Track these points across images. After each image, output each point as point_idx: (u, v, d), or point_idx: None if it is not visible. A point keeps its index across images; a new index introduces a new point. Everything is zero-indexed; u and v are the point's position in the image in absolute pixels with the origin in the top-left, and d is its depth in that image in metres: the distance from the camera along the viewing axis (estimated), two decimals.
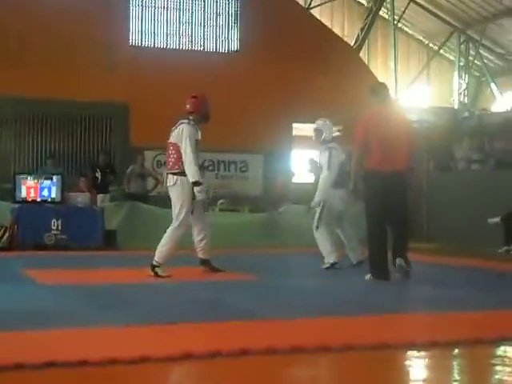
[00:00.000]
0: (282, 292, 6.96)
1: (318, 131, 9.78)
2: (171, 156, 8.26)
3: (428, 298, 6.59)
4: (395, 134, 7.76)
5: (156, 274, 7.89)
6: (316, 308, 5.75)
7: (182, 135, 8.17)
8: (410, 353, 4.12)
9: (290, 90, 18.88)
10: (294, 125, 19.71)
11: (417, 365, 4.05)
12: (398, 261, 7.62)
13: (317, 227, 9.23)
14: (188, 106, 8.54)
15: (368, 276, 7.73)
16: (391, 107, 8.47)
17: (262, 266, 9.79)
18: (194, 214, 8.18)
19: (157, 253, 8.02)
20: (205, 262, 8.36)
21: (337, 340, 4.23)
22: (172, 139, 8.32)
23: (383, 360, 4.01)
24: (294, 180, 17.61)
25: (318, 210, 9.23)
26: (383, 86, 8.57)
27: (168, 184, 8.24)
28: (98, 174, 14.93)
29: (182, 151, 8.08)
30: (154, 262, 7.98)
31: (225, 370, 3.72)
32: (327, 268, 9.02)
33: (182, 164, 8.07)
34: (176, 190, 8.13)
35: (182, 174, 8.06)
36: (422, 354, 4.13)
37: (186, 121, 8.33)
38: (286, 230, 14.20)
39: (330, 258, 9.09)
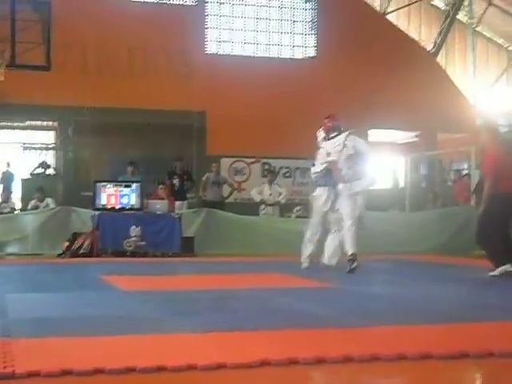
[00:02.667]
0: (357, 299, 6.91)
1: None
2: None
3: None
4: None
5: None
6: (391, 315, 5.69)
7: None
8: (489, 361, 4.03)
9: (367, 95, 18.78)
10: (370, 131, 19.56)
11: (499, 375, 3.96)
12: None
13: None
14: None
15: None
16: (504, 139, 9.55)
17: (338, 273, 9.74)
18: None
19: None
20: None
21: (413, 348, 4.17)
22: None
23: (461, 370, 3.94)
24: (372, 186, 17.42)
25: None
26: (493, 125, 9.49)
27: None
28: (176, 181, 15.09)
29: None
30: None
31: (301, 378, 3.72)
32: None
33: None
34: None
35: None
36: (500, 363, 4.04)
37: None
38: (365, 236, 14.07)
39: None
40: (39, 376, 3.54)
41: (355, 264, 9.27)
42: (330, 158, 9.65)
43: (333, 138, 9.78)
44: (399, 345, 4.33)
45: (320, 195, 9.91)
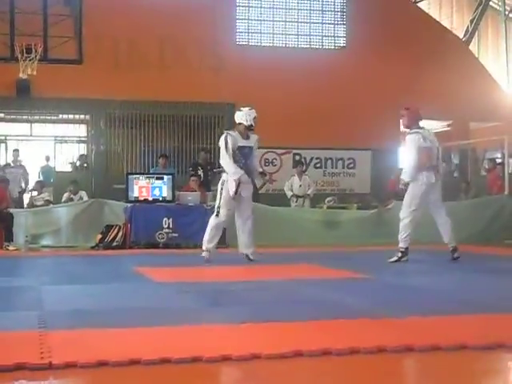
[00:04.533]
0: (393, 290, 6.89)
1: None
2: None
3: None
4: None
5: None
6: (426, 306, 5.67)
7: None
8: None
9: (398, 85, 18.65)
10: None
11: None
12: None
13: None
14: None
15: None
16: None
17: (373, 263, 9.72)
18: None
19: None
20: None
21: (448, 339, 4.15)
22: None
23: (497, 360, 3.92)
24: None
25: None
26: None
27: None
28: (201, 172, 15.08)
29: None
30: None
31: (335, 368, 3.72)
32: None
33: None
34: None
35: None
36: None
37: None
38: (396, 226, 14.01)
39: None
40: (76, 367, 3.59)
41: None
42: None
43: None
44: (434, 335, 4.31)
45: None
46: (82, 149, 19.05)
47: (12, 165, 16.96)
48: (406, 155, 10.16)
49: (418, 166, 9.55)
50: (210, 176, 15.20)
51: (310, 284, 7.32)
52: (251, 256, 9.66)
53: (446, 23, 22.73)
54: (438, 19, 22.04)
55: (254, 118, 9.58)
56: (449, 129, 20.68)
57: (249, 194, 9.72)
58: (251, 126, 9.57)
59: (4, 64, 14.96)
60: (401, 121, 10.38)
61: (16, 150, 17.50)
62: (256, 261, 9.51)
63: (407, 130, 10.09)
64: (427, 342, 4.05)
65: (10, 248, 12.36)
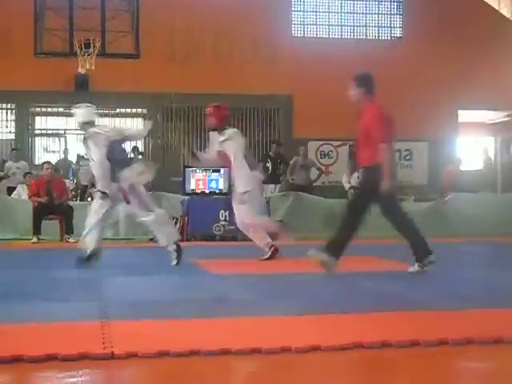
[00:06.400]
0: (449, 282, 6.82)
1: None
2: None
3: None
4: None
5: None
6: (485, 299, 5.60)
7: None
8: None
9: (455, 75, 18.41)
10: (459, 111, 19.22)
11: None
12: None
13: None
14: None
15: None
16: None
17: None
18: None
19: None
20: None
21: (509, 332, 4.10)
22: None
23: None
24: (462, 167, 17.14)
25: None
26: (371, 76, 7.96)
27: None
28: (269, 165, 15.14)
29: None
30: None
31: (395, 360, 3.70)
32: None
33: None
34: None
35: None
36: None
37: None
38: (453, 218, 13.89)
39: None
40: (137, 357, 3.64)
41: None
42: None
43: None
44: (494, 328, 4.26)
45: None
46: (140, 142, 19.24)
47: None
48: None
49: None
50: (279, 169, 15.32)
51: (367, 276, 7.28)
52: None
53: (505, 12, 22.32)
54: (496, 8, 21.65)
55: None
56: (508, 119, 20.34)
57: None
58: None
59: (63, 59, 15.22)
60: (209, 120, 9.01)
61: None
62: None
63: (215, 132, 8.95)
64: (488, 335, 4.01)
65: (71, 240, 12.55)
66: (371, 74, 7.66)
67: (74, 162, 17.51)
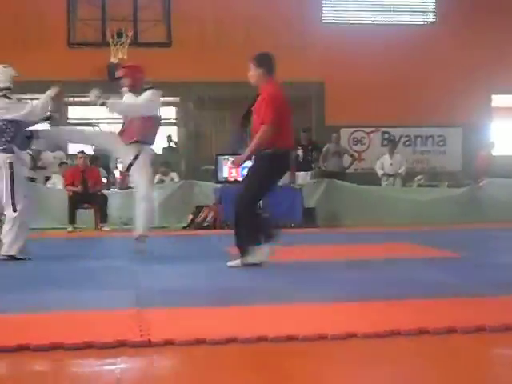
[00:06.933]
0: (486, 269, 6.75)
1: None
2: None
3: None
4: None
5: None
6: None
7: None
8: None
9: (489, 61, 18.18)
10: (494, 96, 18.99)
11: None
12: None
13: None
14: None
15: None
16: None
17: (465, 242, 9.56)
18: None
19: None
20: None
21: None
22: None
23: None
24: (495, 152, 16.94)
25: None
26: (272, 56, 7.70)
27: None
28: (300, 152, 15.09)
29: None
30: None
31: (432, 348, 3.68)
32: None
33: None
34: None
35: None
36: None
37: None
38: (488, 204, 13.77)
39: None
40: (174, 344, 3.67)
41: None
42: None
43: None
44: None
45: None
46: (173, 131, 19.31)
47: None
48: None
49: None
50: (311, 156, 15.25)
51: (404, 263, 7.24)
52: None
53: None
54: None
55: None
56: None
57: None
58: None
59: (96, 49, 15.29)
60: (122, 82, 8.44)
61: None
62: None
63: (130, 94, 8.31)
64: None
65: (105, 229, 12.65)
66: (271, 54, 7.61)
67: None
